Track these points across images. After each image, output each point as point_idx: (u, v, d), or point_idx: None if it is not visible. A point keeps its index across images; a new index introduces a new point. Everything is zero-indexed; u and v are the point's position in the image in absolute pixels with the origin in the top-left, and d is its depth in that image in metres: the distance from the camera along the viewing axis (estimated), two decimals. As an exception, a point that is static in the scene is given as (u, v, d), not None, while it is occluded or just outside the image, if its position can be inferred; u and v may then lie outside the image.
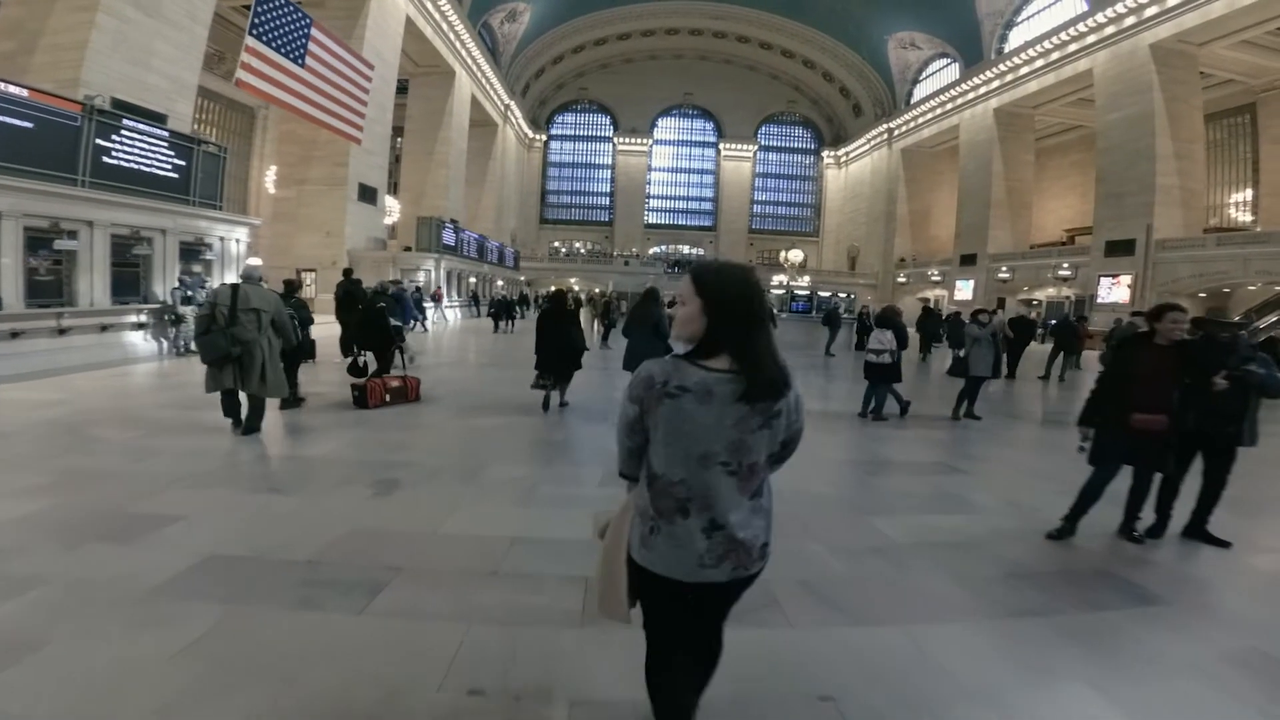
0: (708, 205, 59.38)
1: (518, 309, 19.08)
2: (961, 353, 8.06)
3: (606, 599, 1.65)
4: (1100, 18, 26.77)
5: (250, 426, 5.59)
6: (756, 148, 58.16)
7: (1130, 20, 25.62)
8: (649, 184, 58.55)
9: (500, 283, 35.68)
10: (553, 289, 8.18)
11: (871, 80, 47.27)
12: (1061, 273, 30.54)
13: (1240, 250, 23.00)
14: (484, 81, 37.79)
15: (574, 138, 58.15)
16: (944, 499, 4.81)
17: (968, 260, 36.61)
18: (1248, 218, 28.66)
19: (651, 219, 58.99)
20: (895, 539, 3.85)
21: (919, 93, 43.32)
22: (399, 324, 8.39)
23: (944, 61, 40.47)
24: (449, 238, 27.25)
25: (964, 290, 36.38)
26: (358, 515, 3.84)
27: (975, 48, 35.83)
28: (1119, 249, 26.55)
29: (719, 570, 1.51)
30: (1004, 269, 34.10)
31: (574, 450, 5.90)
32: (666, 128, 58.47)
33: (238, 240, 13.56)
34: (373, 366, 8.01)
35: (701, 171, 59.14)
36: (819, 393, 10.33)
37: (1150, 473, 3.84)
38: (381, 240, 27.32)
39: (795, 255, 24.99)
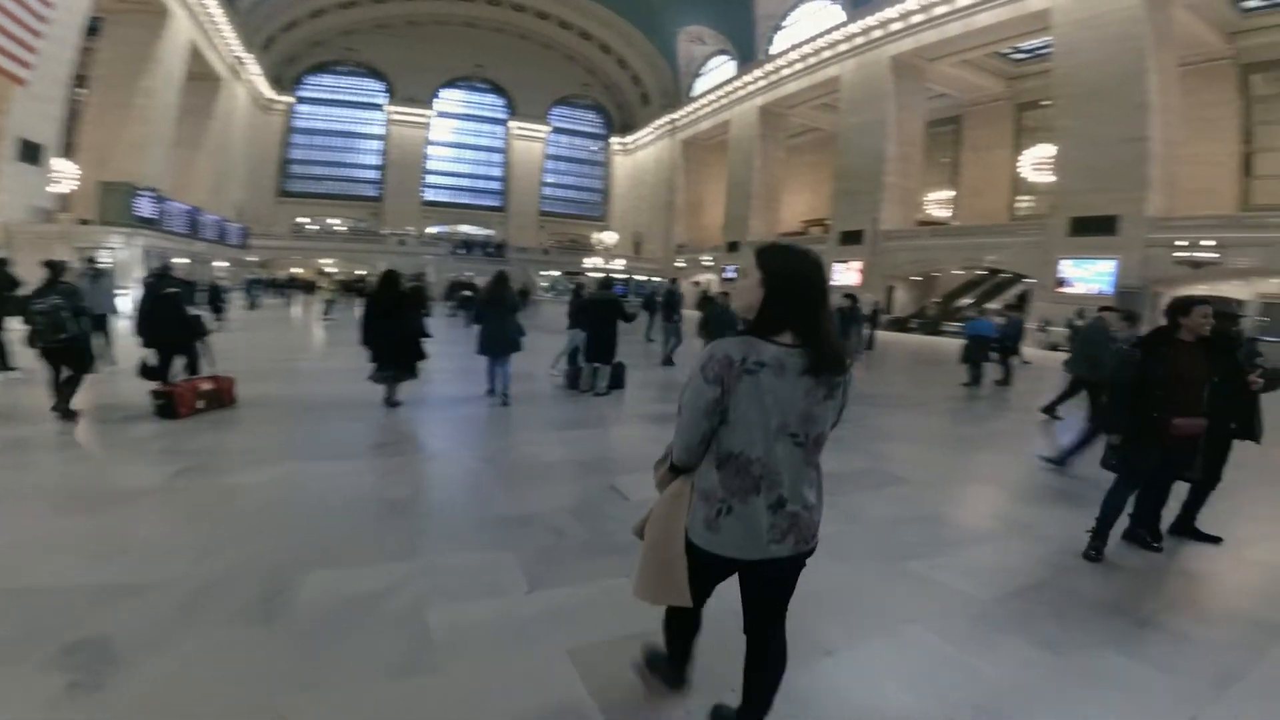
0: (496, 185, 56.73)
1: (224, 298, 14.74)
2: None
3: (664, 586, 1.74)
4: (854, 28, 30.60)
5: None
6: (549, 129, 57.16)
7: (878, 33, 29.60)
8: (428, 158, 53.95)
9: (222, 264, 29.47)
10: (384, 270, 6.99)
11: (661, 70, 49.20)
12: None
13: (947, 241, 27.90)
14: (210, 27, 31.18)
15: (333, 102, 51.14)
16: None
17: (733, 247, 39.86)
18: (948, 214, 34.99)
19: (431, 196, 54.45)
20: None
21: (699, 86, 46.06)
22: (198, 313, 6.90)
23: (724, 58, 43.48)
24: (146, 208, 21.98)
25: (730, 273, 39.78)
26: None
27: (750, 47, 39.06)
28: (851, 239, 30.66)
29: (783, 546, 1.64)
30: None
31: (456, 512, 3.97)
32: (452, 100, 54.51)
33: None
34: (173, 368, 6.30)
35: (490, 149, 56.26)
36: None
37: (1176, 479, 3.63)
38: (47, 210, 20.76)
39: (609, 236, 24.17)
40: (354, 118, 51.77)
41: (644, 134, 53.32)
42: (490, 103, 55.69)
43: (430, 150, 53.99)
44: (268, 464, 4.53)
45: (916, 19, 27.48)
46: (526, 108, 55.30)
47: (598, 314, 7.76)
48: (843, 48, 31.38)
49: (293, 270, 39.49)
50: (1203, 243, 19.22)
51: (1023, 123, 32.00)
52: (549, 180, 58.01)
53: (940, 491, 4.83)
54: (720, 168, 45.14)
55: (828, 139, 41.84)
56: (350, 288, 28.61)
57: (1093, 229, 21.82)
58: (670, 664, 2.13)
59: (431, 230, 51.57)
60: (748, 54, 39.19)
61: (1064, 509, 4.35)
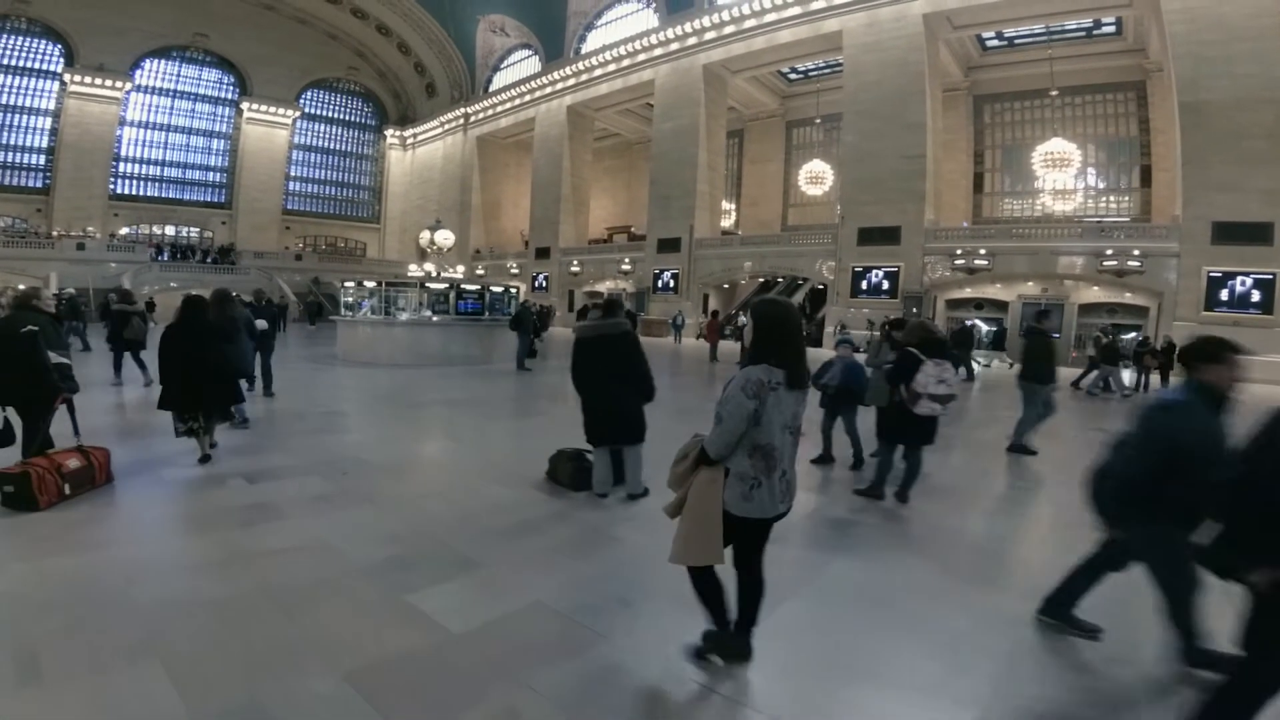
0: (219, 176, 46.13)
1: None
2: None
3: (707, 550, 2.41)
4: (669, 33, 30.50)
5: None
6: (297, 114, 48.12)
7: (692, 40, 29.82)
8: (120, 142, 41.72)
9: None
10: (190, 293, 5.48)
11: (454, 60, 44.58)
12: (624, 267, 33.53)
13: (756, 249, 29.05)
14: None
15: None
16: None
17: (542, 253, 37.60)
18: (730, 223, 36.77)
19: (125, 188, 42.25)
20: None
21: (498, 80, 42.84)
22: (63, 360, 4.72)
23: (526, 53, 40.78)
24: None
25: (541, 282, 37.81)
26: None
27: (558, 43, 37.04)
28: (668, 246, 30.56)
29: (784, 505, 2.50)
30: (575, 262, 35.80)
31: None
32: (159, 73, 43.16)
33: None
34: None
35: (210, 134, 45.57)
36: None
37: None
38: None
39: (444, 237, 19.62)
40: (15, 86, 38.05)
41: (429, 127, 48.08)
42: (214, 80, 45.23)
43: (125, 133, 41.94)
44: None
45: (728, 30, 28.34)
46: (266, 88, 45.88)
47: (600, 360, 4.72)
48: (658, 52, 31.21)
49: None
50: (981, 251, 22.41)
51: (792, 139, 35.17)
52: (297, 174, 49.05)
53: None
54: (520, 168, 42.46)
55: (628, 145, 42.01)
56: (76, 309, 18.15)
57: (878, 239, 24.31)
58: (725, 631, 2.63)
59: (123, 231, 40.03)
60: (555, 50, 37.21)
61: None
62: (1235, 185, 17.90)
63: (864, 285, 24.80)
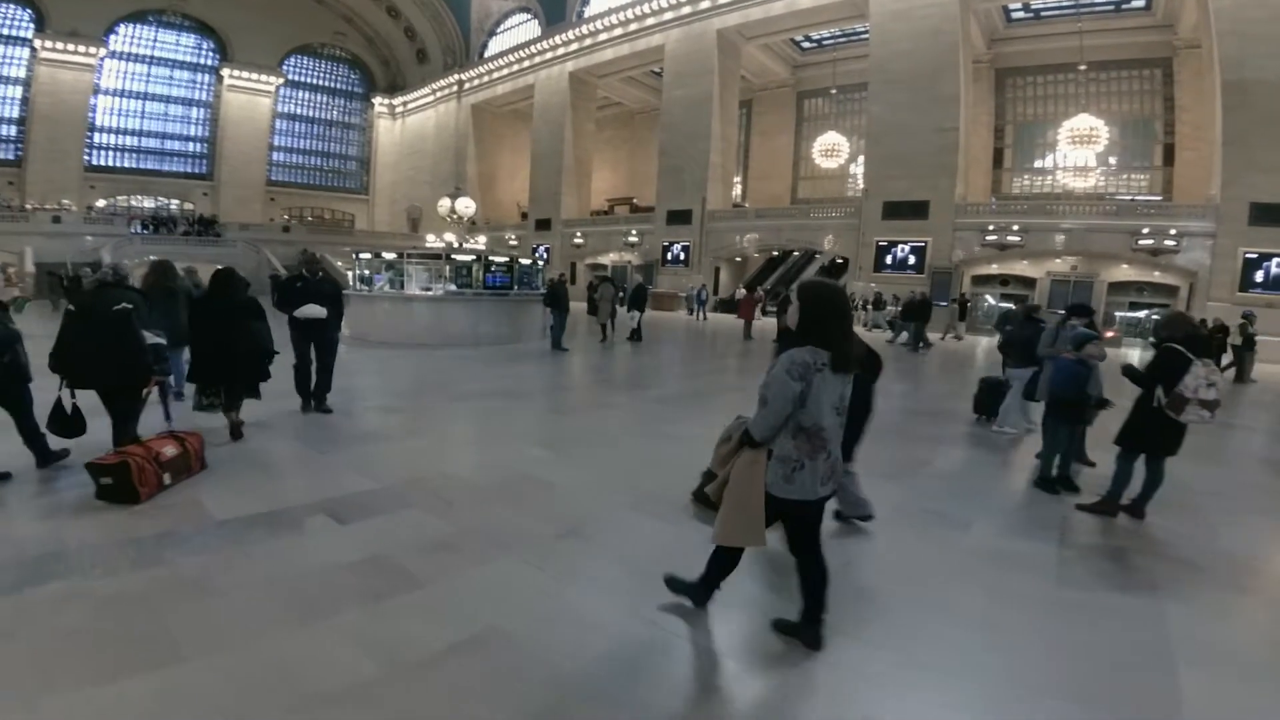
0: (200, 147, 43.98)
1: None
2: None
3: (750, 531, 2.43)
4: None
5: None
6: (281, 82, 45.90)
7: (705, 4, 28.35)
8: (94, 110, 39.57)
9: None
10: (218, 269, 5.30)
11: (447, 24, 42.54)
12: (630, 239, 32.45)
13: (772, 222, 28.16)
14: None
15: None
16: None
17: (543, 225, 36.37)
18: (737, 195, 35.61)
19: (101, 159, 40.22)
20: None
21: (495, 46, 40.85)
22: (159, 341, 4.64)
23: (525, 16, 38.86)
24: None
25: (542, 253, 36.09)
26: None
27: (559, 6, 35.26)
28: (679, 218, 29.54)
29: (827, 488, 2.45)
30: (578, 235, 34.60)
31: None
32: (134, 38, 40.80)
33: None
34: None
35: (190, 102, 43.29)
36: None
37: None
38: None
39: (465, 205, 18.43)
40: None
41: (420, 95, 46.01)
42: (193, 45, 42.85)
43: (100, 102, 39.72)
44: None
45: None
46: (249, 54, 43.57)
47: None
48: (668, 16, 29.71)
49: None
50: (1014, 227, 21.71)
51: (803, 110, 33.95)
52: (281, 144, 46.94)
53: None
54: (517, 137, 40.93)
55: (630, 115, 40.53)
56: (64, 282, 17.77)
57: (905, 213, 23.51)
58: (703, 588, 2.75)
59: (100, 204, 38.22)
60: (556, 14, 35.40)
61: None
62: (1278, 167, 17.31)
63: (889, 260, 24.05)
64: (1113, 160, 25.34)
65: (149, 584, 2.83)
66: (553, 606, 2.87)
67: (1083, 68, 24.58)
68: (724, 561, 2.67)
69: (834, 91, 30.82)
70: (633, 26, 31.32)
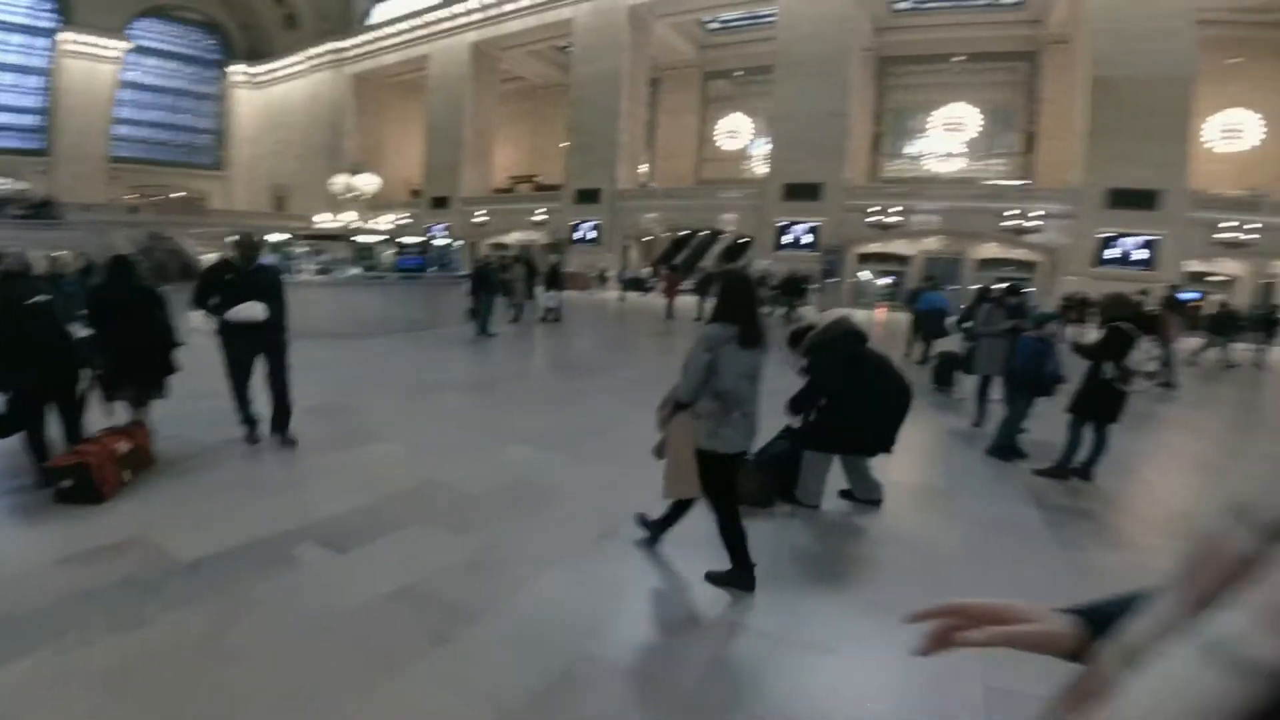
0: (34, 119, 37.76)
1: None
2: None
3: (685, 482, 2.89)
4: None
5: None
6: (128, 47, 40.05)
7: None
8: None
9: None
10: (115, 255, 4.87)
11: None
12: (536, 217, 31.54)
13: (682, 201, 28.40)
14: None
15: None
16: None
17: (439, 203, 34.59)
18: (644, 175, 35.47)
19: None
20: None
21: (381, 13, 37.66)
22: (88, 333, 4.40)
23: None
24: None
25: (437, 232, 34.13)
26: None
27: None
28: (588, 197, 29.13)
29: (748, 441, 2.96)
30: (481, 212, 33.20)
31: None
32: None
33: None
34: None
35: (22, 69, 37.11)
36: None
37: None
38: None
39: (366, 180, 16.69)
40: None
41: (289, 64, 41.68)
42: (25, 5, 36.44)
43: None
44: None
45: None
46: (91, 17, 37.54)
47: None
48: None
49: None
50: (898, 208, 23.32)
51: (708, 91, 34.39)
52: (126, 116, 41.18)
53: None
54: (405, 109, 38.40)
55: (532, 89, 39.03)
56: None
57: (802, 195, 24.59)
58: (662, 526, 3.27)
59: None
60: None
61: None
62: (1135, 157, 19.69)
63: (785, 240, 25.00)
64: (982, 147, 27.90)
65: (144, 652, 2.32)
66: (636, 622, 2.72)
67: (960, 58, 26.72)
68: (677, 514, 3.19)
69: (739, 74, 31.40)
70: (541, -1, 30.17)
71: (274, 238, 13.54)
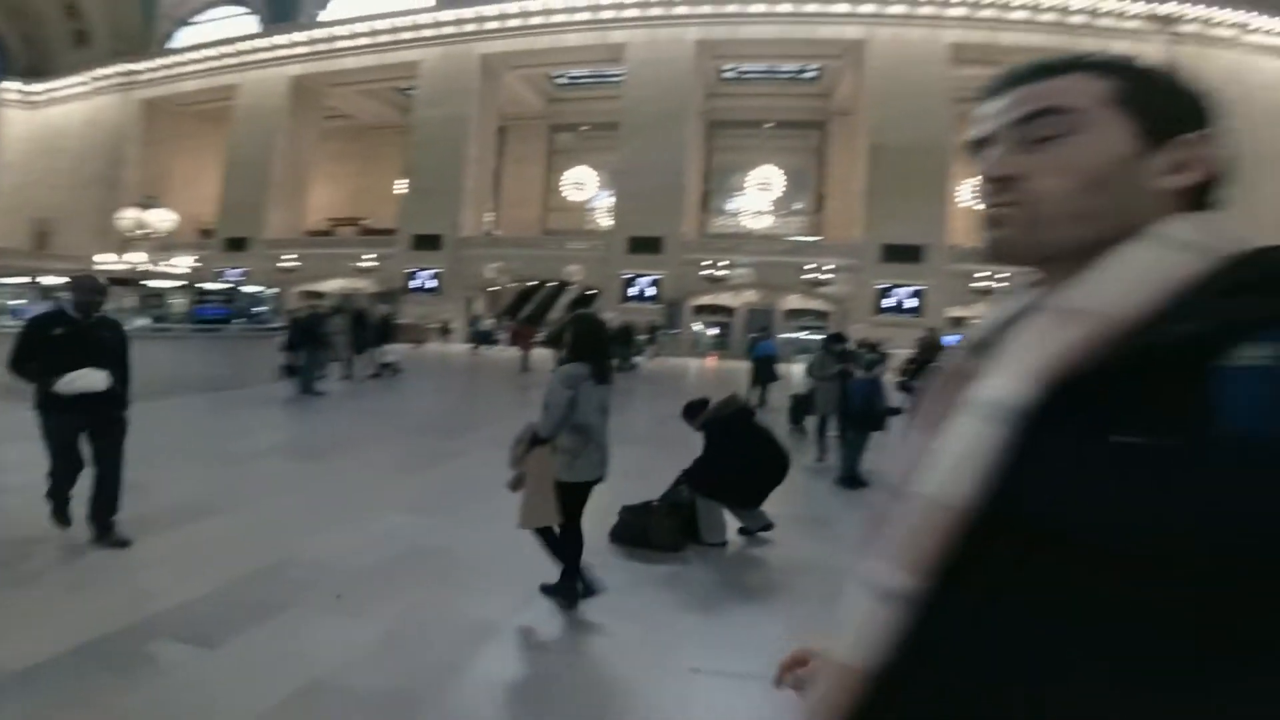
0: None
1: None
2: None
3: (545, 513, 3.07)
4: (444, 15, 28.27)
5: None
6: None
7: (471, 27, 28.07)
8: None
9: None
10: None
11: (124, 5, 33.94)
12: (364, 263, 29.65)
13: (537, 252, 28.71)
14: None
15: None
16: None
17: (235, 244, 31.27)
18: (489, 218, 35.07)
19: None
20: None
21: (187, 36, 34.40)
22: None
23: (236, 10, 33.51)
24: None
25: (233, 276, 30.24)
26: None
27: (286, 4, 31.24)
28: (428, 243, 28.16)
29: (601, 470, 3.22)
30: (290, 256, 30.54)
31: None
32: None
33: None
34: None
35: None
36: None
37: None
38: None
39: (160, 217, 14.18)
40: None
41: (73, 83, 35.99)
42: None
43: None
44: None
45: (513, 23, 27.60)
46: None
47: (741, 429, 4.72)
48: (428, 34, 28.56)
49: None
50: (724, 262, 25.55)
51: (554, 143, 35.43)
52: None
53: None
54: (202, 140, 34.79)
55: (361, 129, 37.11)
56: None
57: (646, 248, 26.08)
58: (565, 580, 3.19)
59: None
60: (283, 12, 31.27)
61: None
62: (903, 214, 23.47)
63: (630, 292, 26.16)
64: (783, 206, 31.73)
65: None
66: (603, 692, 2.73)
67: (770, 125, 30.58)
68: (566, 547, 3.19)
69: (584, 128, 32.74)
70: (384, 38, 29.35)
71: (45, 280, 11.35)
